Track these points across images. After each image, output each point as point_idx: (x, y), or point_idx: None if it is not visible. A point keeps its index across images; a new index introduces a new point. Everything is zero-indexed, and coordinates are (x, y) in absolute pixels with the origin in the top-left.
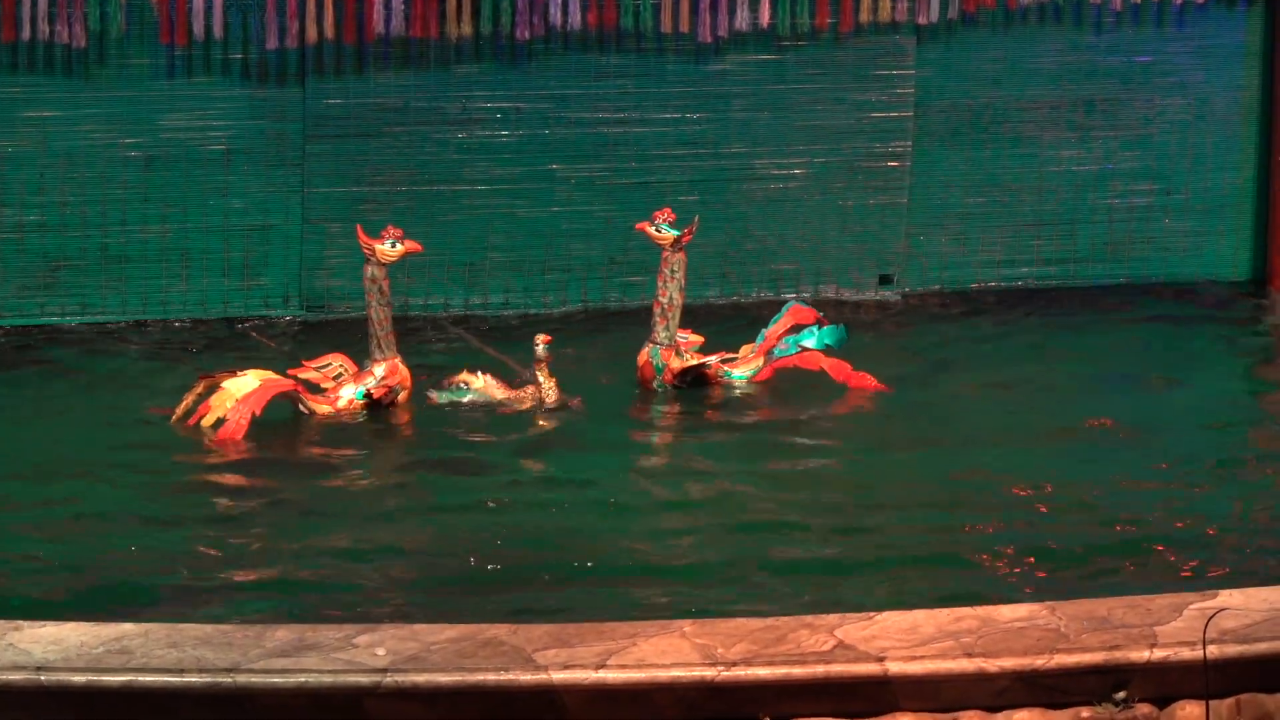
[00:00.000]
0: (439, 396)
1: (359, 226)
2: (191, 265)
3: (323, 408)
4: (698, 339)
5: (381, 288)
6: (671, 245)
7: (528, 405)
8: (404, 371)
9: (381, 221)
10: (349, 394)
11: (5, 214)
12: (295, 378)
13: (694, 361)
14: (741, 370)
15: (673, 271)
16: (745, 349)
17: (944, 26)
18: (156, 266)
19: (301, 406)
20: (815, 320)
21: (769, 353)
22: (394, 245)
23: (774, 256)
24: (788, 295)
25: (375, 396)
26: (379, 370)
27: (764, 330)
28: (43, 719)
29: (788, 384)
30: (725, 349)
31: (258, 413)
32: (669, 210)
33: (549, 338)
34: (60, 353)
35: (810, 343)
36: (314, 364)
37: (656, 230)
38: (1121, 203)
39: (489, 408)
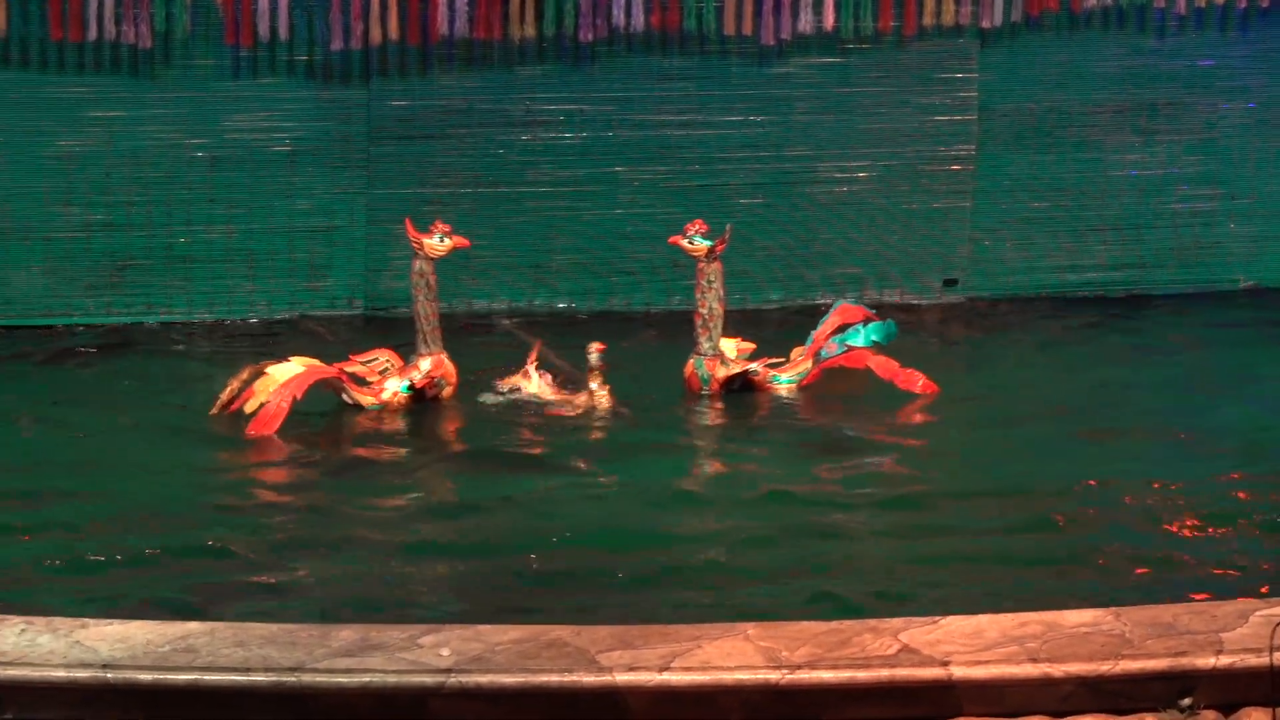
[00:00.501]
0: (491, 398)
1: (408, 220)
2: (257, 265)
3: (367, 399)
4: (749, 345)
5: (429, 282)
6: (706, 256)
7: (580, 411)
8: (449, 366)
9: (446, 223)
10: (394, 387)
11: (72, 213)
12: (341, 370)
13: (738, 369)
14: (789, 374)
15: (709, 282)
16: (795, 351)
17: (1007, 30)
18: (222, 266)
19: (345, 397)
20: (864, 318)
21: (816, 354)
22: (442, 240)
23: (838, 260)
24: (850, 299)
25: (418, 388)
26: (424, 365)
27: (812, 332)
28: (108, 717)
29: (842, 386)
30: (783, 354)
31: (299, 397)
32: (700, 222)
33: (603, 345)
34: (126, 350)
35: (857, 341)
36: (361, 358)
37: (689, 243)
38: (1185, 207)
39: (540, 409)
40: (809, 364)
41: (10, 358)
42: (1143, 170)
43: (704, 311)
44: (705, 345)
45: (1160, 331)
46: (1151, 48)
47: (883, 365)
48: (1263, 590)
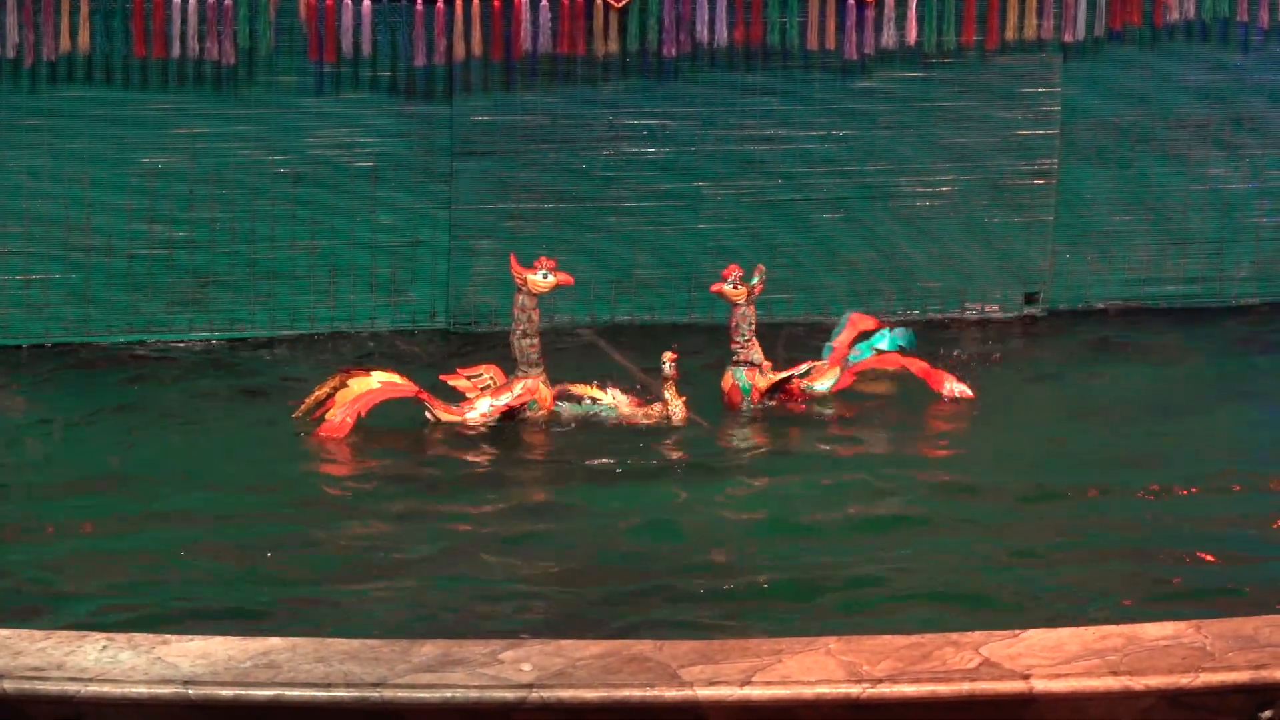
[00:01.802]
0: (566, 409)
1: (513, 256)
2: (339, 281)
3: (450, 417)
4: (767, 363)
5: (531, 317)
6: (745, 299)
7: (654, 421)
8: (544, 392)
9: (529, 239)
10: (482, 408)
11: (156, 230)
12: (420, 389)
13: (777, 377)
14: (821, 381)
15: (739, 324)
16: (810, 365)
17: (1090, 44)
18: (304, 283)
19: (429, 414)
20: (877, 326)
21: (844, 360)
22: (546, 276)
23: (919, 274)
24: (934, 313)
25: (504, 410)
26: (517, 387)
27: (828, 344)
28: None
29: (897, 400)
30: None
31: (363, 414)
32: (735, 267)
33: (675, 355)
34: (209, 368)
35: (883, 344)
36: (467, 372)
37: (733, 288)
38: (1270, 221)
39: (616, 422)
40: (837, 371)
41: (91, 373)
42: (1225, 184)
43: (740, 340)
44: (751, 355)
45: (1241, 346)
46: (1235, 62)
47: (916, 365)
48: None
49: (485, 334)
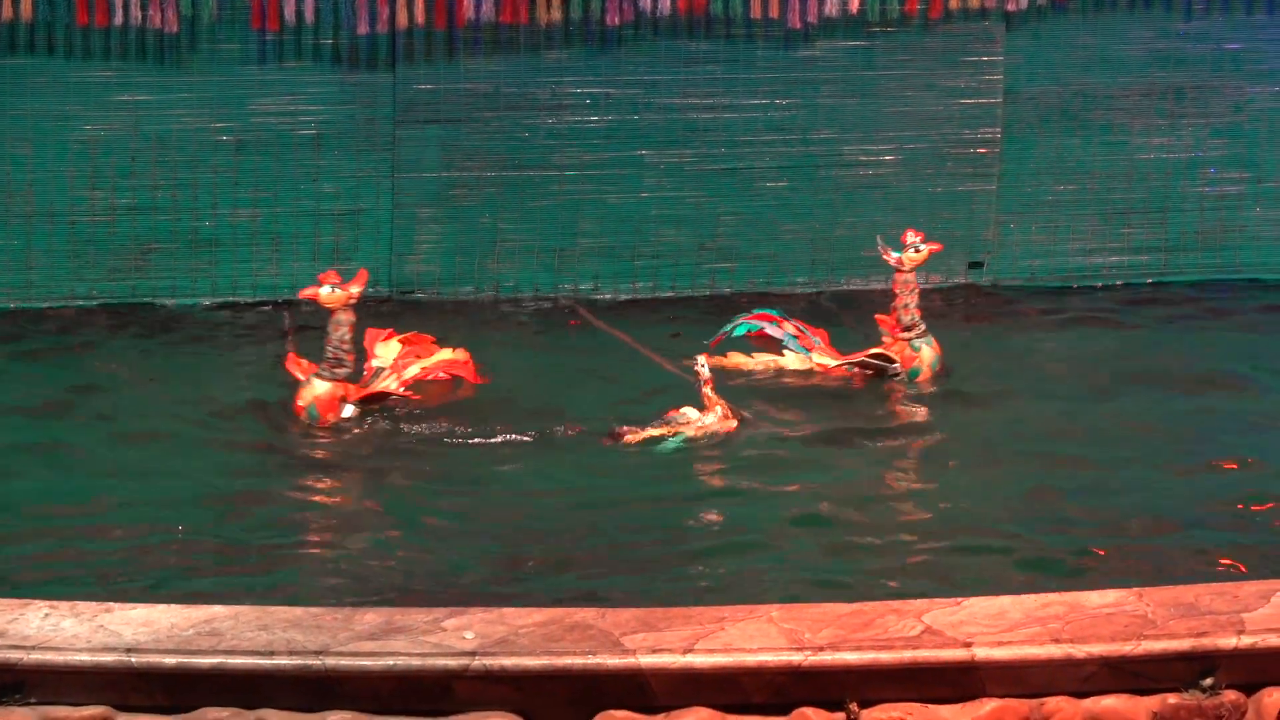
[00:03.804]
0: (636, 434)
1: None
2: (282, 249)
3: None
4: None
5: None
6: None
7: (708, 430)
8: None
9: (472, 208)
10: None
11: (97, 197)
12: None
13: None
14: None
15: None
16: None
17: (1033, 13)
18: (247, 250)
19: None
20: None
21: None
22: (334, 290)
23: (863, 242)
24: (877, 282)
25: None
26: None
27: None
28: (133, 700)
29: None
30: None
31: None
32: (705, 355)
33: (709, 355)
34: (151, 333)
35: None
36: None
37: (916, 252)
38: (1212, 191)
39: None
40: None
41: (35, 339)
42: (1168, 154)
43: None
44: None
45: (1185, 317)
46: (1178, 30)
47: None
48: None
49: (428, 302)
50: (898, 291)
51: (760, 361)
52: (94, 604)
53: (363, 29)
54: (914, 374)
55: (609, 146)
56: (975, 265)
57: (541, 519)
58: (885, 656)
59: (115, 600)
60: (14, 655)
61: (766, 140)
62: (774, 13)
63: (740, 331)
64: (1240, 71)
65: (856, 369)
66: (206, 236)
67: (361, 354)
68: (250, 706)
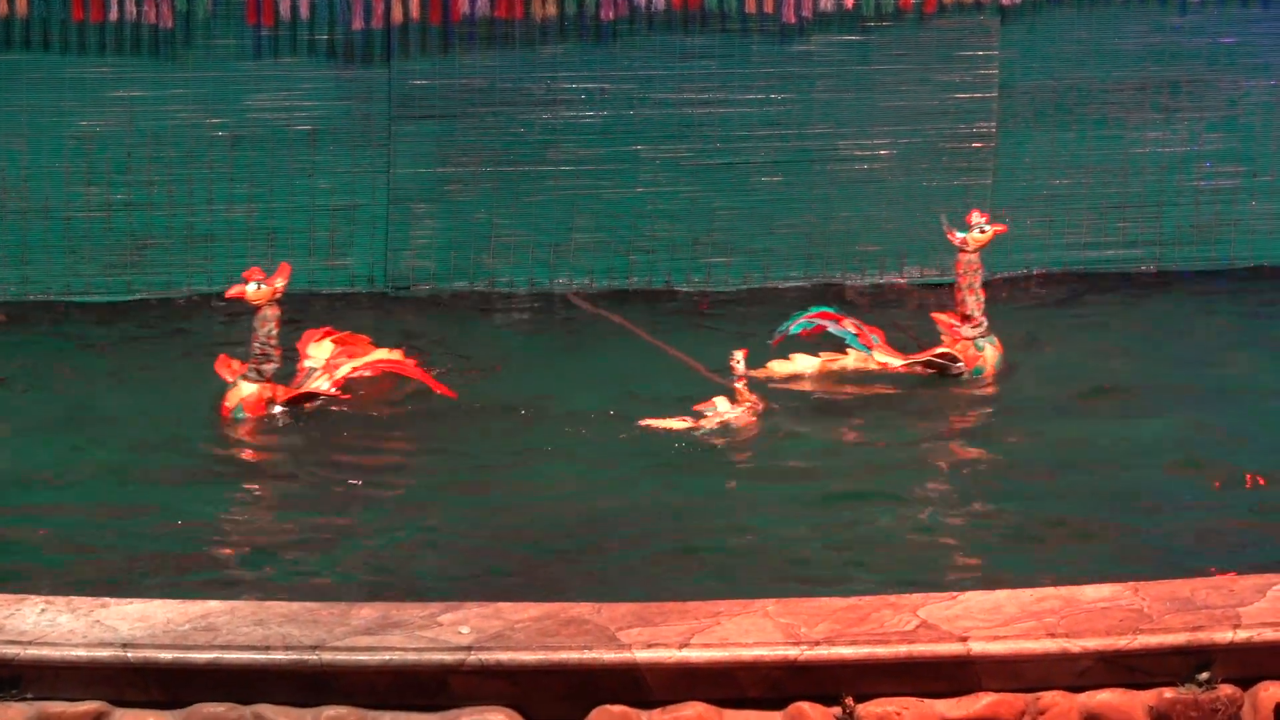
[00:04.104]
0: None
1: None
2: (277, 244)
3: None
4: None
5: (271, 331)
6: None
7: (742, 420)
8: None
9: (467, 203)
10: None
11: (93, 193)
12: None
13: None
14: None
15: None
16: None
17: (1028, 7)
18: (242, 245)
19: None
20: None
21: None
22: (260, 287)
23: (858, 238)
24: (871, 276)
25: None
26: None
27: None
28: (129, 696)
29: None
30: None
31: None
32: (743, 350)
33: (746, 350)
34: (147, 328)
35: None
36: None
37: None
38: (1207, 185)
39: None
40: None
41: (31, 334)
42: (1164, 148)
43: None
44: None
45: (1180, 309)
46: (1173, 24)
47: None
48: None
49: (424, 298)
50: (960, 273)
51: (816, 365)
52: (90, 599)
53: (358, 24)
54: (977, 373)
55: (604, 141)
56: None
57: (537, 513)
58: (881, 651)
59: (111, 595)
60: (10, 650)
61: (761, 135)
62: (769, 7)
63: (798, 330)
64: (1235, 65)
65: (920, 368)
66: (202, 232)
67: (294, 354)
68: (246, 701)
